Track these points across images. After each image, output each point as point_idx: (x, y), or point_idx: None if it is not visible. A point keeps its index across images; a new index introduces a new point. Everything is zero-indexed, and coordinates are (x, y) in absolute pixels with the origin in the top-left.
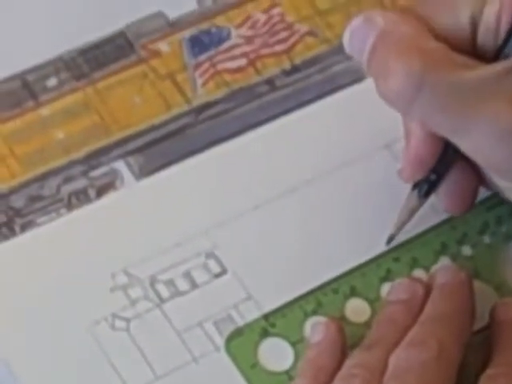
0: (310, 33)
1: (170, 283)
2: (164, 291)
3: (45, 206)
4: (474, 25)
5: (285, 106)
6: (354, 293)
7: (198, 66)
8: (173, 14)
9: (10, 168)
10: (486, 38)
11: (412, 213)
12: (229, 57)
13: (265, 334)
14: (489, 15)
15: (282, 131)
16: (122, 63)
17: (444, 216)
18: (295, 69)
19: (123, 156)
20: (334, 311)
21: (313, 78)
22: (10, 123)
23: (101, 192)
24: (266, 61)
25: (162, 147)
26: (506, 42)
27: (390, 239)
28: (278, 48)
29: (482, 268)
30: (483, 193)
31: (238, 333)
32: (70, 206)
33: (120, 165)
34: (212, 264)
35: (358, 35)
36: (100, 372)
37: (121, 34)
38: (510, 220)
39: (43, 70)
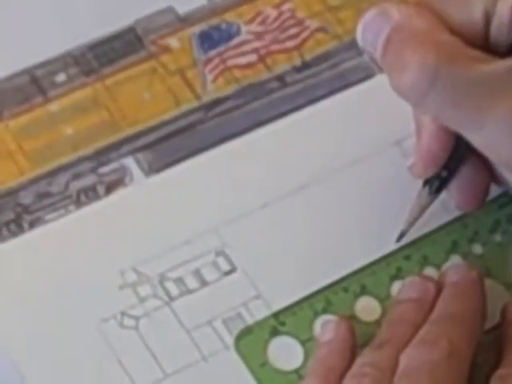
0: (321, 29)
1: (180, 281)
2: (173, 289)
3: (53, 203)
4: (487, 19)
5: (295, 102)
6: (364, 291)
7: (207, 61)
8: (183, 9)
9: (19, 164)
10: (499, 32)
11: (423, 209)
12: (239, 53)
13: (274, 332)
14: (502, 10)
15: (292, 128)
16: (131, 59)
17: (455, 214)
18: (306, 65)
19: (132, 152)
20: (344, 310)
21: (323, 74)
22: (18, 119)
23: (110, 189)
24: (276, 57)
25: (171, 144)
26: None
27: (401, 236)
28: (289, 44)
29: (493, 266)
30: (495, 191)
31: (247, 331)
32: (78, 203)
33: (129, 161)
34: (221, 262)
35: (371, 28)
36: (109, 370)
37: (130, 30)
38: None
39: (52, 65)
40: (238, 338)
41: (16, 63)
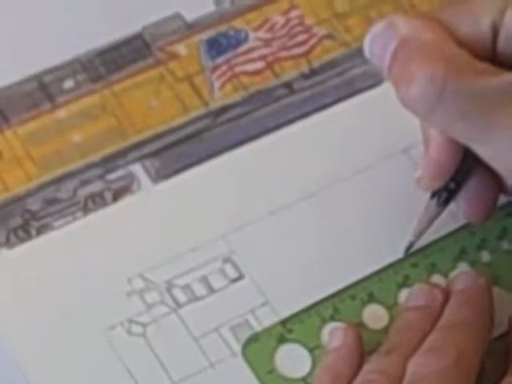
0: (329, 36)
1: (187, 288)
2: (181, 296)
3: (61, 209)
4: (495, 32)
5: (303, 109)
6: (371, 299)
7: (215, 68)
8: (190, 16)
9: (27, 170)
10: (507, 44)
11: (431, 221)
12: (247, 59)
13: (282, 339)
14: (509, 22)
15: (300, 135)
16: (139, 65)
17: (463, 222)
18: (313, 72)
19: (140, 159)
20: (352, 317)
21: (331, 81)
22: (26, 125)
23: (117, 195)
24: (284, 64)
25: (178, 150)
26: None
27: (409, 247)
28: (297, 51)
29: (500, 274)
30: (502, 198)
31: (254, 338)
32: (86, 210)
33: (137, 168)
34: (229, 269)
35: (379, 41)
36: (116, 377)
37: (138, 36)
38: None
39: (60, 71)
40: (246, 345)
41: (24, 69)
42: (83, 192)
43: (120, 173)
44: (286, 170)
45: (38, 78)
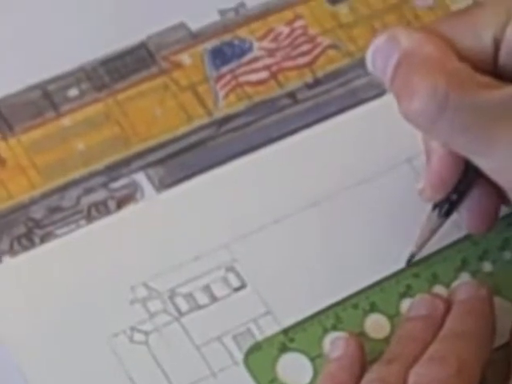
0: (333, 46)
1: (190, 297)
2: (183, 304)
3: (64, 218)
4: (496, 45)
5: (306, 119)
6: (373, 308)
7: (219, 78)
8: (195, 25)
9: (30, 178)
10: (508, 59)
11: (432, 232)
12: (251, 69)
13: (284, 348)
14: (511, 35)
15: (304, 145)
16: (143, 74)
17: (465, 232)
18: (317, 82)
19: (144, 168)
20: (354, 327)
21: (335, 91)
22: (30, 133)
23: (121, 204)
24: (288, 74)
25: (182, 159)
26: None
27: (411, 258)
28: (301, 61)
29: (502, 284)
30: (504, 209)
31: (256, 347)
32: (89, 218)
33: (140, 177)
34: (231, 278)
35: (381, 54)
36: None
37: (142, 45)
38: None
39: (64, 80)
40: (248, 354)
41: (28, 78)
42: (87, 200)
43: (124, 181)
44: (289, 180)
45: (42, 86)
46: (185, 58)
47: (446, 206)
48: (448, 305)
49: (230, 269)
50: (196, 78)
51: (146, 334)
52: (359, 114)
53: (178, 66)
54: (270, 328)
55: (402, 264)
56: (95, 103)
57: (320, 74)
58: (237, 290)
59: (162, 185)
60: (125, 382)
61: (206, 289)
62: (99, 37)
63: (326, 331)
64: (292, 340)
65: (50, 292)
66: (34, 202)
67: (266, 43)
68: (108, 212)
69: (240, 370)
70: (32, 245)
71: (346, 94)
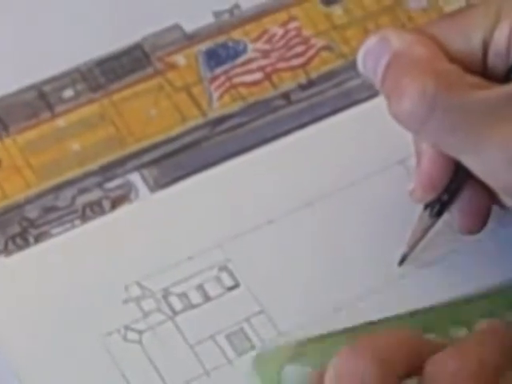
0: (327, 47)
1: (183, 296)
2: (177, 304)
3: (59, 217)
4: (485, 47)
5: (300, 120)
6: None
7: (214, 79)
8: (189, 26)
9: (25, 178)
10: (496, 61)
11: (424, 232)
12: (245, 70)
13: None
14: (499, 39)
15: (297, 145)
16: (138, 75)
17: None
18: (311, 83)
19: (138, 168)
20: None
21: (328, 92)
22: (25, 134)
23: (115, 204)
24: (282, 75)
25: (176, 160)
26: None
27: (403, 259)
28: (295, 62)
29: None
30: None
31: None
32: (84, 218)
33: (135, 177)
34: (225, 277)
35: (372, 55)
36: (111, 383)
37: (137, 46)
38: None
39: (60, 80)
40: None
41: (24, 78)
42: (81, 200)
43: (118, 181)
44: (282, 180)
45: (37, 87)
46: (179, 59)
47: (437, 206)
48: None
49: (224, 268)
50: (190, 79)
51: (140, 332)
52: (353, 116)
53: (173, 66)
54: (264, 327)
55: (394, 264)
56: (90, 104)
57: (314, 75)
58: (230, 289)
59: (157, 185)
60: (119, 381)
61: (200, 288)
62: (94, 38)
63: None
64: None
65: (44, 291)
66: (28, 201)
67: (260, 45)
68: (102, 212)
69: (233, 369)
70: (26, 244)
71: (340, 96)
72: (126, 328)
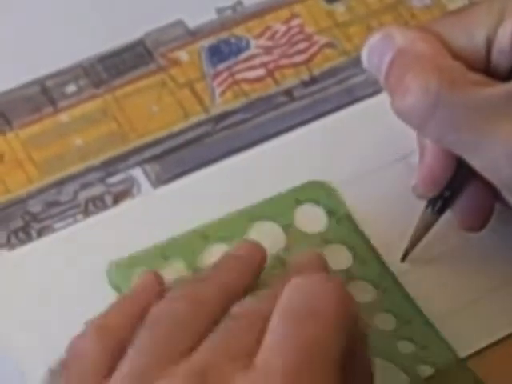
0: (329, 44)
1: None
2: None
3: (62, 212)
4: (489, 44)
5: (303, 116)
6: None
7: (216, 75)
8: (192, 23)
9: (28, 173)
10: (500, 58)
11: (426, 229)
12: (247, 67)
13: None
14: (503, 35)
15: (300, 142)
16: (140, 71)
17: None
18: (314, 80)
19: (140, 163)
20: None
21: (331, 89)
22: (28, 129)
23: (117, 199)
24: (284, 71)
25: (179, 155)
26: None
27: (405, 255)
28: (297, 59)
29: None
30: None
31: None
32: (86, 212)
33: (137, 172)
34: None
35: (376, 51)
36: None
37: (140, 42)
38: None
39: (62, 76)
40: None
41: (27, 74)
42: (84, 195)
43: (120, 177)
44: (285, 176)
45: (40, 82)
46: (182, 55)
47: (440, 203)
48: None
49: None
50: (193, 75)
51: None
52: (355, 112)
53: (176, 63)
54: None
55: (397, 261)
56: (93, 99)
57: (316, 72)
58: None
59: (159, 180)
60: None
61: None
62: (97, 33)
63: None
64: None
65: (46, 285)
66: (31, 196)
67: (262, 41)
68: (105, 207)
69: None
70: (29, 239)
71: (342, 92)
72: None
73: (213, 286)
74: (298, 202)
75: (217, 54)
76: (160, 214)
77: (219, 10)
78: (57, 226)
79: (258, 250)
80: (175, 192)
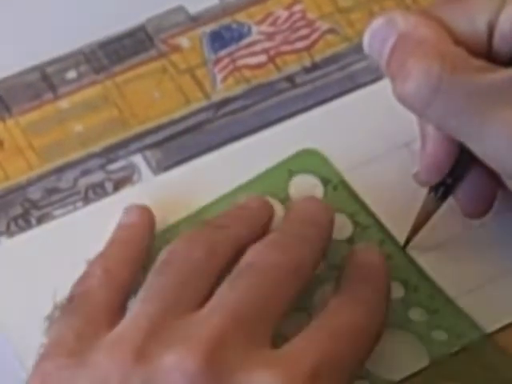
0: (331, 30)
1: None
2: None
3: (61, 199)
4: (491, 30)
5: (304, 103)
6: None
7: (217, 61)
8: (194, 8)
9: (28, 160)
10: (502, 43)
11: (428, 216)
12: (249, 53)
13: None
14: (505, 21)
15: (301, 128)
16: (141, 57)
17: None
18: (315, 66)
19: (141, 150)
20: None
21: (333, 75)
22: (28, 115)
23: (118, 186)
24: (286, 57)
25: (180, 142)
26: None
27: (407, 242)
28: (299, 45)
29: None
30: None
31: None
32: (86, 199)
33: (138, 159)
34: None
35: (378, 36)
36: None
37: (141, 28)
38: None
39: (63, 62)
40: None
41: (27, 60)
42: (84, 182)
43: (121, 163)
44: None
45: (40, 68)
46: (183, 42)
47: (442, 190)
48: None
49: None
50: (194, 62)
51: None
52: (357, 99)
53: (177, 49)
54: None
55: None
56: (93, 85)
57: (318, 58)
58: None
59: (160, 167)
60: None
61: None
62: (98, 19)
63: None
64: None
65: (46, 273)
66: (31, 183)
67: (264, 27)
68: (105, 194)
69: None
70: (29, 226)
71: (344, 79)
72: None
73: (228, 237)
74: (292, 174)
75: (218, 40)
76: (161, 200)
77: None
78: (57, 213)
79: (267, 204)
80: (176, 179)
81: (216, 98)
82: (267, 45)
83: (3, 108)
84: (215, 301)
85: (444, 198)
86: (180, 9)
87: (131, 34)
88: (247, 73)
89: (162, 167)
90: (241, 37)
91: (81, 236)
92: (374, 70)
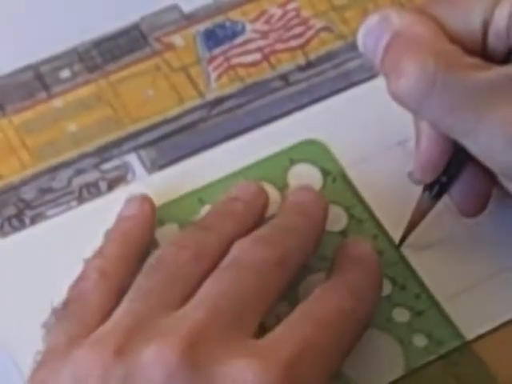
0: (326, 28)
1: None
2: None
3: (55, 199)
4: (485, 27)
5: (299, 101)
6: None
7: (211, 59)
8: (187, 7)
9: (21, 159)
10: (496, 41)
11: (423, 214)
12: (243, 51)
13: None
14: (499, 18)
15: (296, 127)
16: (135, 56)
17: None
18: (310, 64)
19: (135, 149)
20: None
21: (327, 73)
22: (22, 114)
23: (112, 185)
24: (280, 56)
25: (174, 141)
26: None
27: (402, 240)
28: (293, 43)
29: None
30: None
31: None
32: (80, 199)
33: (132, 158)
34: None
35: (372, 34)
36: None
37: (135, 27)
38: None
39: (56, 61)
40: None
41: (20, 59)
42: (78, 181)
43: (115, 163)
44: None
45: (34, 67)
46: (177, 40)
47: (437, 188)
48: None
49: None
50: (188, 60)
51: None
52: (351, 97)
53: (171, 47)
54: None
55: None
56: (87, 84)
57: (312, 56)
58: None
59: (154, 166)
60: None
61: None
62: (92, 18)
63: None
64: None
65: (40, 273)
66: (24, 182)
67: (258, 25)
68: (99, 193)
69: None
70: (23, 226)
71: (339, 77)
72: None
73: (216, 238)
74: (293, 162)
75: (212, 38)
76: (155, 199)
77: None
78: (50, 212)
79: (261, 193)
80: (170, 178)
81: (210, 96)
82: (261, 43)
83: None
84: (198, 296)
85: (439, 196)
86: (174, 7)
87: (125, 32)
88: (241, 71)
89: (157, 166)
90: (235, 35)
91: (75, 236)
92: (369, 68)
